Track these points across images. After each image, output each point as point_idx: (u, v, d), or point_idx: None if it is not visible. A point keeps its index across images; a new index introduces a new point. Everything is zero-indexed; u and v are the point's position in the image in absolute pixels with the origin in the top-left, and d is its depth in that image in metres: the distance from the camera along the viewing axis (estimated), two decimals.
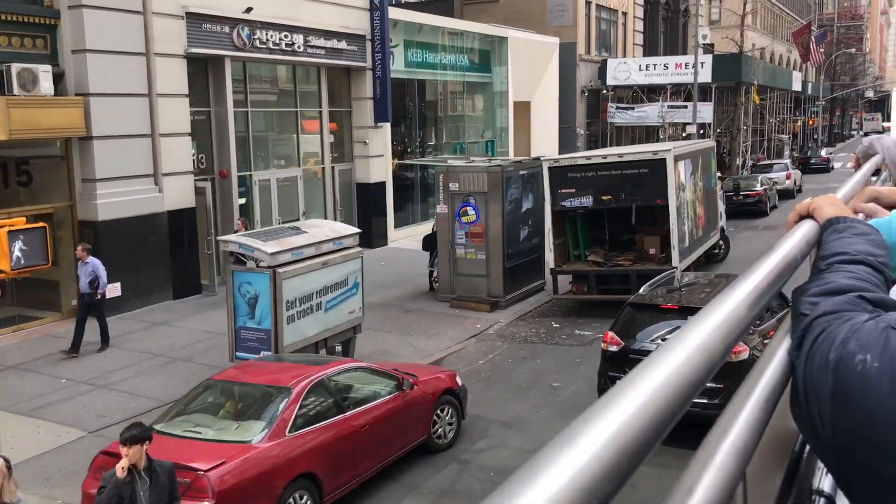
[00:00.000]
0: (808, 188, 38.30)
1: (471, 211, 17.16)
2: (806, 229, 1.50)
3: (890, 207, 1.87)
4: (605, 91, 39.23)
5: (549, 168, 16.47)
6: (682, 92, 38.03)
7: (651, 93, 39.09)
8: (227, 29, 18.61)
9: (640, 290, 11.26)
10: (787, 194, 35.45)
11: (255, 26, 19.26)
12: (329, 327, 12.24)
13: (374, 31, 23.28)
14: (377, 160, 24.03)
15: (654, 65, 38.19)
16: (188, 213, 17.89)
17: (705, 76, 37.14)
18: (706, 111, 37.85)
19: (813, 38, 76.03)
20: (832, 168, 50.42)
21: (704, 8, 69.59)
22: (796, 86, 51.61)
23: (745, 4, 42.78)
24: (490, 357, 14.05)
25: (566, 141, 37.39)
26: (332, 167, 23.13)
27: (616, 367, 9.89)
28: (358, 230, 13.14)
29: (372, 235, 23.71)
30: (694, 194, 17.50)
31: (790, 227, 1.56)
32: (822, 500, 1.42)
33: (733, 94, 39.45)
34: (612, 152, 17.10)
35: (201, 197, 18.32)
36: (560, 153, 36.26)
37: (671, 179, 15.50)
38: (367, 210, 23.77)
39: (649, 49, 45.10)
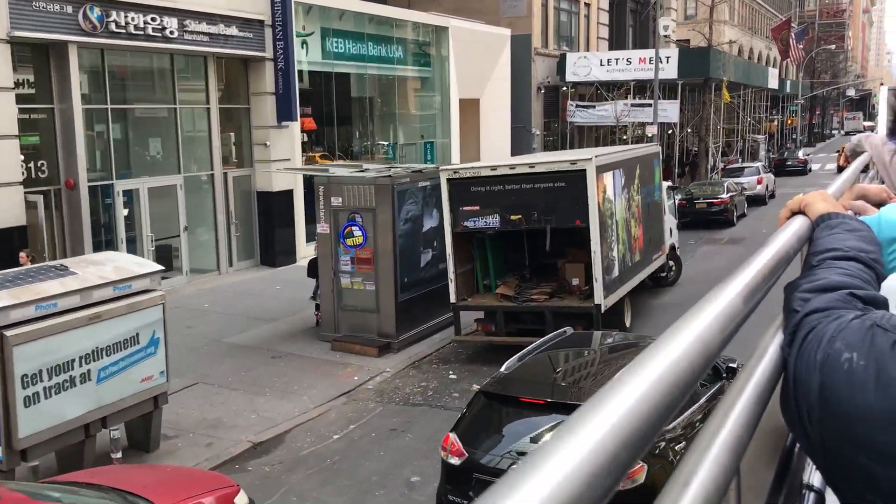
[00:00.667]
0: (782, 193, 35.22)
1: (357, 231, 13.90)
2: (798, 225, 1.52)
3: (878, 205, 1.89)
4: (564, 88, 36.05)
5: (449, 180, 13.22)
6: (647, 89, 34.94)
7: (615, 90, 35.91)
8: (68, 9, 15.21)
9: (503, 366, 7.98)
10: (757, 201, 32.34)
11: (109, 6, 15.89)
12: (106, 403, 8.93)
13: (275, 16, 19.94)
14: (282, 165, 20.71)
15: (617, 59, 34.96)
16: (17, 233, 14.55)
17: (671, 72, 33.98)
18: (672, 110, 34.69)
19: (793, 34, 73.13)
20: (810, 170, 47.45)
21: (679, 2, 66.60)
22: (772, 83, 48.52)
23: None
24: (351, 429, 10.76)
25: (521, 142, 34.17)
26: (225, 174, 19.77)
27: (457, 488, 6.68)
28: (159, 268, 9.80)
29: (276, 252, 20.42)
30: (628, 211, 14.25)
31: (782, 222, 1.57)
32: (812, 494, 1.44)
33: (702, 92, 36.26)
34: (522, 161, 13.79)
35: (34, 212, 15.00)
36: (514, 155, 33.06)
37: (593, 195, 12.30)
38: (270, 223, 20.46)
39: (616, 44, 41.91)
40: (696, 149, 36.66)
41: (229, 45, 18.99)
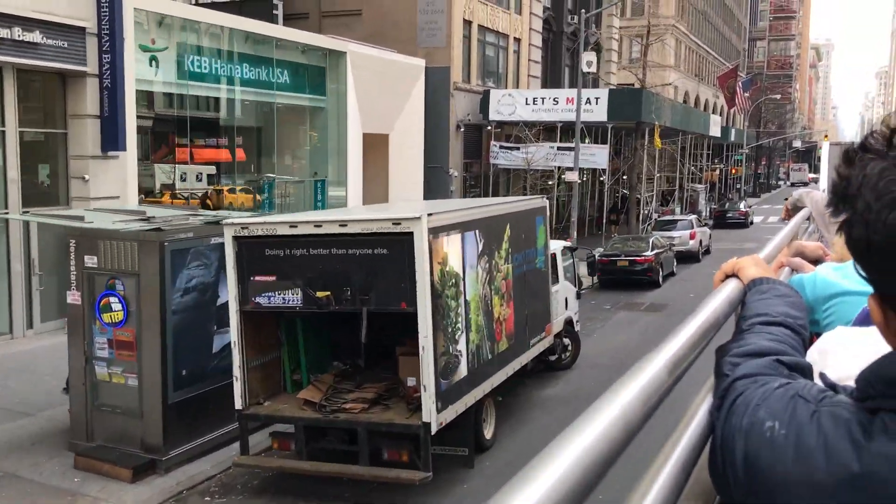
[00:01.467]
0: (719, 248, 32.13)
1: (116, 304, 10.04)
2: (730, 289, 1.52)
3: (814, 262, 1.92)
4: (489, 127, 32.74)
5: (236, 238, 9.48)
6: (573, 132, 31.78)
7: (542, 131, 32.73)
8: None
9: None
10: (690, 257, 29.12)
11: None
12: None
13: (102, 23, 16.15)
14: (109, 204, 16.76)
15: (543, 98, 31.74)
16: None
17: (600, 114, 30.88)
18: (600, 155, 31.54)
19: (740, 83, 71.45)
20: (751, 223, 44.74)
21: (625, 46, 64.37)
22: (714, 130, 45.87)
23: (646, 34, 36.74)
24: None
25: (437, 184, 30.65)
26: (26, 213, 15.80)
27: None
28: None
29: None
30: (489, 286, 10.56)
31: (716, 285, 1.57)
32: None
33: (635, 136, 33.18)
34: (332, 217, 9.99)
35: None
36: (427, 199, 29.49)
37: (423, 268, 8.63)
38: None
39: (551, 83, 38.82)
40: (629, 197, 33.47)
41: (34, 55, 15.13)
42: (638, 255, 23.61)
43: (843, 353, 1.26)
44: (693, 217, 30.93)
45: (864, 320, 1.32)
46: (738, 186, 62.76)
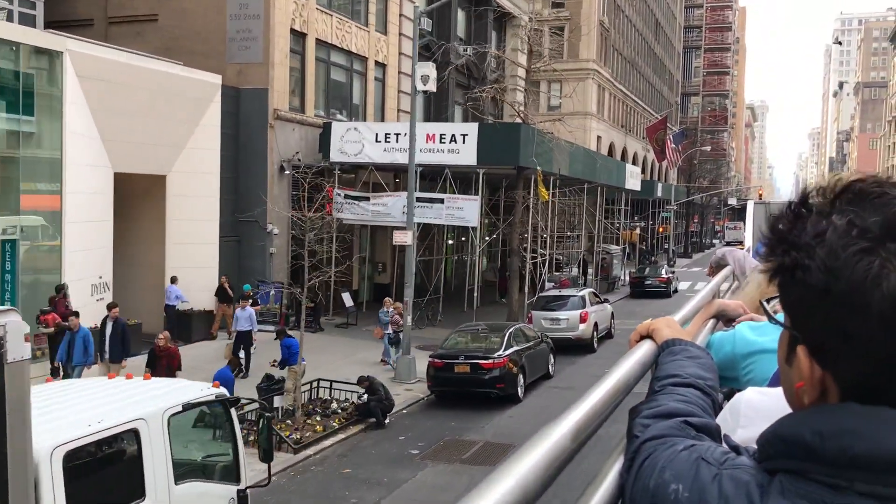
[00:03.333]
0: (628, 328, 24.48)
1: None
2: (644, 350, 1.54)
3: (735, 320, 1.93)
4: (335, 170, 24.84)
5: None
6: (440, 178, 23.99)
7: (397, 177, 24.96)
8: None
9: None
10: (580, 347, 21.27)
11: None
12: None
13: None
14: None
15: (397, 135, 23.94)
16: None
17: (468, 156, 23.16)
18: (470, 209, 23.70)
19: (671, 136, 65.23)
20: (675, 291, 37.33)
21: (543, 90, 57.61)
22: (632, 183, 38.65)
23: (529, 53, 29.22)
24: None
25: (249, 246, 22.55)
26: None
27: None
28: None
29: None
30: None
31: (632, 345, 1.59)
32: None
33: (517, 185, 25.39)
34: None
35: None
36: (235, 268, 21.42)
37: None
38: None
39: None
40: (510, 264, 25.48)
41: None
42: (485, 357, 15.57)
43: (754, 414, 1.29)
44: (587, 292, 23.00)
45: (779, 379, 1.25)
46: (666, 246, 55.72)
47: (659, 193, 53.82)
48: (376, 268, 29.32)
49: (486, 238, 28.95)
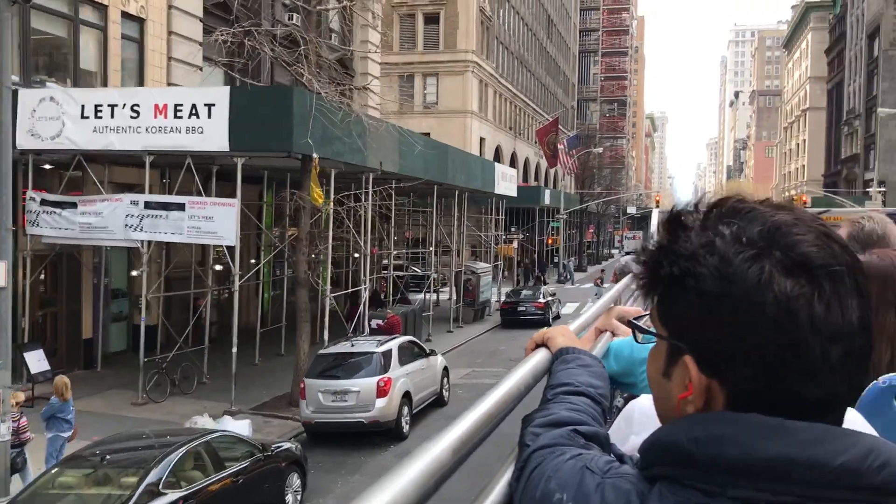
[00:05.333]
0: (472, 384, 16.66)
1: None
2: (537, 359, 1.53)
3: None
4: (23, 163, 16.25)
5: None
6: (184, 171, 15.61)
7: (146, 171, 16.46)
8: None
9: None
10: (379, 433, 13.25)
11: None
12: None
13: None
14: None
15: (113, 106, 15.50)
16: None
17: (217, 137, 14.94)
18: (224, 219, 15.38)
19: (564, 141, 58.42)
20: (557, 317, 29.96)
21: (418, 83, 49.89)
22: (505, 188, 31.07)
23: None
24: None
25: None
26: None
27: None
28: None
29: None
30: None
31: (528, 353, 1.58)
32: None
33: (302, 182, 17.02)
34: None
35: None
36: None
37: None
38: None
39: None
40: (297, 295, 17.02)
41: None
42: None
43: (647, 421, 1.28)
44: (395, 344, 14.67)
45: None
46: (556, 260, 48.55)
47: (547, 201, 46.70)
48: (136, 303, 20.63)
49: (253, 261, 20.67)
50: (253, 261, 20.87)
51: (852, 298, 0.89)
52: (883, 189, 48.80)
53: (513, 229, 35.59)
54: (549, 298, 29.47)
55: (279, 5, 26.48)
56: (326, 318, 16.88)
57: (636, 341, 1.09)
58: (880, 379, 1.66)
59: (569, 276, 45.53)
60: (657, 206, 67.09)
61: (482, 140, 50.64)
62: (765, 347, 0.86)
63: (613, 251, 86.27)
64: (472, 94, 48.98)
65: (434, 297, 32.64)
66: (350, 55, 30.79)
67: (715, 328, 0.89)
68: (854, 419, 1.16)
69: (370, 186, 18.47)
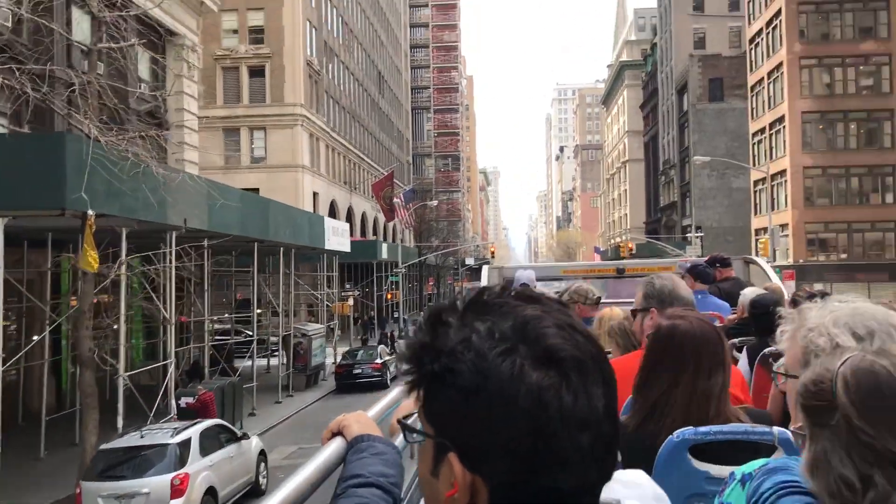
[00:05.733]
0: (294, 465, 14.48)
1: None
2: (333, 449, 1.50)
3: None
4: None
5: None
6: None
7: None
8: None
9: None
10: None
11: None
12: None
13: None
14: None
15: None
16: None
17: None
18: None
19: (401, 194, 57.78)
20: (395, 378, 28.28)
21: (244, 137, 47.48)
22: (337, 243, 29.31)
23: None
24: None
25: None
26: None
27: None
28: None
29: None
30: None
31: (324, 443, 1.56)
32: None
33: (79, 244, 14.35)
34: None
35: None
36: None
37: None
38: None
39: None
40: (85, 382, 14.29)
41: None
42: None
43: None
44: (194, 431, 12.31)
45: None
46: (397, 315, 47.08)
47: (384, 255, 45.29)
48: None
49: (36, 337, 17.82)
50: (36, 337, 17.78)
51: (597, 387, 0.92)
52: (701, 234, 51.21)
53: (347, 286, 33.73)
54: (388, 358, 27.75)
55: (77, 50, 23.71)
56: (120, 403, 14.25)
57: (406, 441, 1.07)
58: (674, 434, 1.86)
59: (406, 333, 44.09)
60: (492, 256, 67.77)
61: (315, 195, 48.78)
62: (518, 439, 0.88)
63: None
64: (303, 147, 47.17)
65: (266, 362, 30.13)
66: (163, 107, 28.14)
67: (473, 423, 0.90)
68: (638, 477, 1.22)
69: (173, 246, 16.15)
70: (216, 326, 28.54)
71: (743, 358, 3.86)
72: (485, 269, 12.30)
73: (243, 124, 46.84)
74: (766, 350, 3.24)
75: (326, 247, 28.00)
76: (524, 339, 0.91)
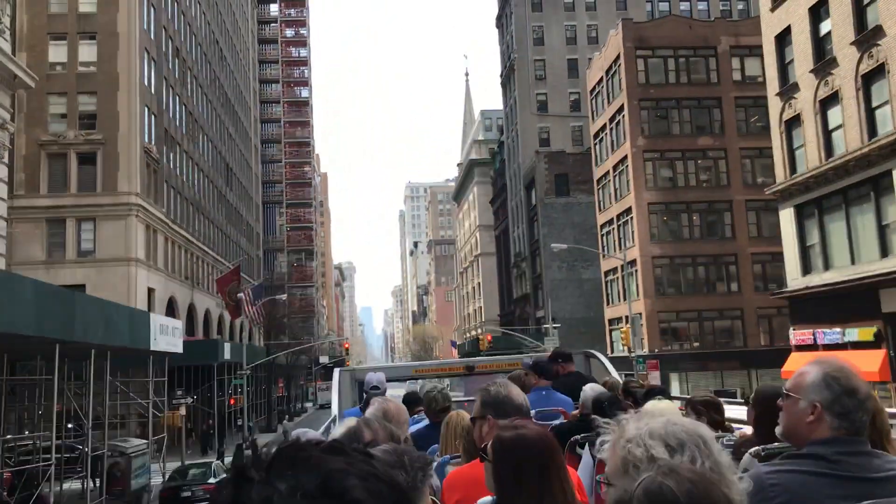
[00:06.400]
0: None
1: None
2: None
3: None
4: None
5: None
6: None
7: None
8: None
9: None
10: None
11: None
12: None
13: None
14: None
15: None
16: None
17: None
18: None
19: (250, 290, 53.76)
20: None
21: (71, 230, 42.52)
22: (167, 343, 25.39)
23: None
24: None
25: None
26: None
27: None
28: None
29: None
30: None
31: None
32: None
33: None
34: None
35: None
36: None
37: None
38: None
39: None
40: None
41: None
42: None
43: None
44: None
45: None
46: (241, 422, 42.49)
47: (227, 356, 41.10)
48: None
49: None
50: None
51: None
52: (558, 325, 50.39)
53: (178, 392, 29.50)
54: (223, 476, 23.81)
55: None
56: None
57: None
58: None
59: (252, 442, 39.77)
60: (346, 353, 64.41)
61: (151, 291, 44.14)
62: None
63: (307, 405, 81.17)
64: (138, 240, 42.77)
65: (81, 486, 25.24)
66: None
67: None
68: None
69: None
70: (27, 444, 23.72)
71: (586, 454, 3.97)
72: (336, 371, 11.29)
73: (70, 215, 42.03)
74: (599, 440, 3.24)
75: (153, 347, 24.09)
76: (327, 494, 0.90)
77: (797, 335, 28.53)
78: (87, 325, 18.98)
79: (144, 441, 23.90)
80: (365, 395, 6.31)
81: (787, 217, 28.86)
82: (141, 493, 23.45)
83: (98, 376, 26.32)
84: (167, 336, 25.64)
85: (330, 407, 50.34)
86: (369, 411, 3.70)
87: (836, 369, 2.22)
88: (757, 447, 2.61)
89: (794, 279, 29.01)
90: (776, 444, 2.47)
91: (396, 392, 7.05)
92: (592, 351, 10.75)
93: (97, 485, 21.51)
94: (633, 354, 32.42)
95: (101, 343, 20.02)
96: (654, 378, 31.00)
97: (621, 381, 6.46)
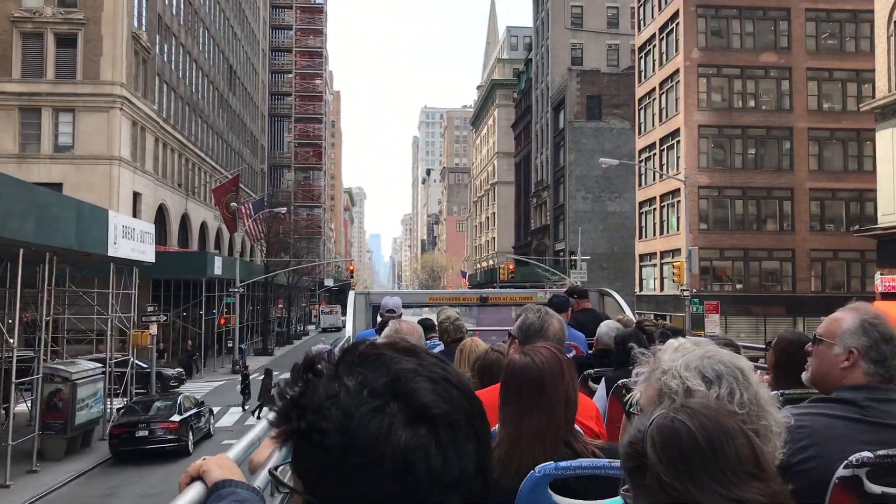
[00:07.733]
0: None
1: None
2: (191, 496, 1.41)
3: None
4: None
5: None
6: None
7: None
8: None
9: None
10: None
11: None
12: None
13: None
14: None
15: None
16: None
17: None
18: None
19: (250, 204, 49.28)
20: (209, 436, 20.18)
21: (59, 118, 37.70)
22: (128, 250, 20.86)
23: None
24: None
25: None
26: None
27: None
28: None
29: None
30: None
31: (182, 488, 1.47)
32: None
33: None
34: None
35: None
36: None
37: None
38: None
39: None
40: None
41: None
42: None
43: None
44: None
45: None
46: (231, 343, 38.45)
47: (217, 271, 36.78)
48: None
49: None
50: None
51: (469, 443, 0.90)
52: (587, 258, 45.81)
53: (150, 308, 25.18)
54: (193, 412, 19.56)
55: None
56: None
57: (277, 491, 0.96)
58: (536, 469, 1.86)
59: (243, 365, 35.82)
60: (351, 276, 60.49)
61: (137, 195, 39.58)
62: (384, 501, 0.86)
63: (309, 328, 77.54)
64: (122, 136, 37.95)
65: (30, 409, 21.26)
66: None
67: (339, 483, 0.87)
68: None
69: None
70: None
71: (601, 388, 3.91)
72: (351, 294, 11.15)
73: (46, 103, 37.17)
74: (620, 382, 3.18)
75: (111, 253, 19.61)
76: (396, 395, 0.88)
77: (885, 281, 23.80)
78: (6, 216, 14.41)
79: (97, 365, 19.62)
80: (380, 318, 6.16)
81: (886, 139, 23.79)
82: (90, 429, 19.30)
83: (60, 284, 22.04)
84: (132, 241, 21.13)
85: (333, 330, 45.79)
86: (385, 332, 3.86)
87: (874, 316, 2.13)
88: (775, 391, 2.30)
89: (887, 214, 24.11)
90: (795, 390, 2.39)
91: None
92: (607, 289, 10.97)
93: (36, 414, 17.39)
94: (685, 293, 27.84)
95: (31, 241, 15.47)
96: (713, 323, 26.53)
97: (634, 320, 6.33)
